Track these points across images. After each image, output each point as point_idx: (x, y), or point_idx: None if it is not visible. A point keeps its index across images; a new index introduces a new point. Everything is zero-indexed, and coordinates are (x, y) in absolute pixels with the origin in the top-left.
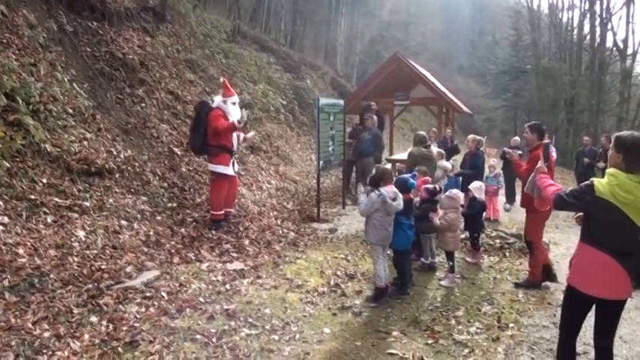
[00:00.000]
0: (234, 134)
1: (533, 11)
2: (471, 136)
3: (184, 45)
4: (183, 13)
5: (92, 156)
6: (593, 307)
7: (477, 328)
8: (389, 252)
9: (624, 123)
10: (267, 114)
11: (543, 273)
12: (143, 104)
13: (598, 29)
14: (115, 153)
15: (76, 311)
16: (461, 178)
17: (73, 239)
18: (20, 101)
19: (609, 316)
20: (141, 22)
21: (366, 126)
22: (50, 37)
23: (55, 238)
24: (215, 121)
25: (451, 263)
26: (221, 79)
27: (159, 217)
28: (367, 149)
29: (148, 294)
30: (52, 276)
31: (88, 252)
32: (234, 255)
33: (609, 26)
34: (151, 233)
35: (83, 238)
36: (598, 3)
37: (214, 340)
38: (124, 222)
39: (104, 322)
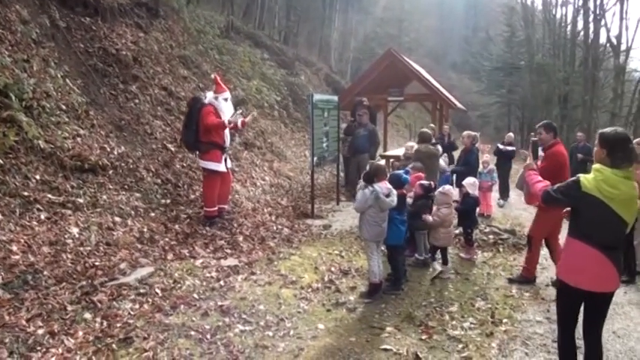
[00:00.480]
0: (226, 131)
1: (527, 7)
2: (466, 132)
3: (178, 41)
4: (177, 8)
5: (86, 152)
6: None
7: (471, 323)
8: (383, 248)
9: (617, 119)
10: (261, 110)
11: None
12: (137, 100)
13: (592, 25)
14: (108, 149)
15: (69, 308)
16: (455, 175)
17: (66, 236)
18: (13, 97)
19: (598, 309)
20: (134, 18)
21: (362, 122)
22: (43, 32)
23: (49, 235)
24: (206, 117)
25: (438, 257)
26: (212, 75)
27: (153, 214)
28: (363, 145)
29: (142, 291)
30: (45, 273)
31: (81, 249)
32: (228, 251)
33: (603, 22)
34: (145, 230)
35: (77, 235)
36: None
37: (208, 336)
38: (117, 218)
39: (98, 319)
